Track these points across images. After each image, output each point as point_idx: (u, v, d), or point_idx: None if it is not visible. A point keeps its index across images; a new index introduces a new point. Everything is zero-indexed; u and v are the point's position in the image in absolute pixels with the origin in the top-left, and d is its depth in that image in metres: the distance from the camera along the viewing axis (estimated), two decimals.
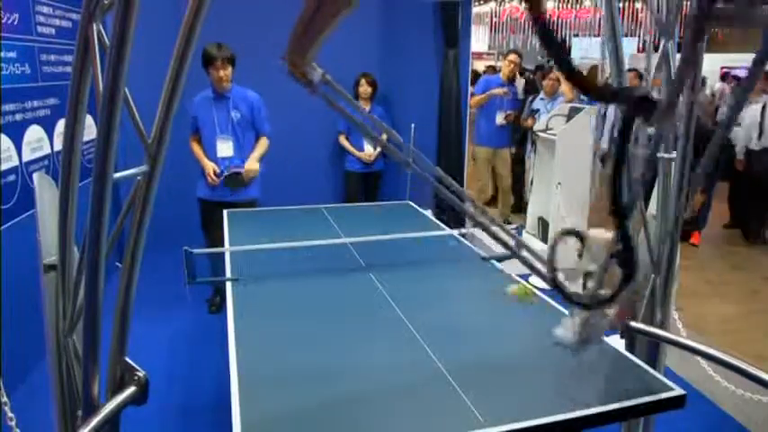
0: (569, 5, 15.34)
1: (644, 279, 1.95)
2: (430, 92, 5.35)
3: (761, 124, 5.86)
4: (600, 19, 14.37)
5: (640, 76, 7.43)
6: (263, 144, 3.95)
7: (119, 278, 1.21)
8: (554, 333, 1.30)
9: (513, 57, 5.76)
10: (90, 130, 3.61)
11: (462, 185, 5.62)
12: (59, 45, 3.75)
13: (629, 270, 1.03)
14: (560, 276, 1.11)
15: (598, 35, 15.87)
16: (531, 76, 10.21)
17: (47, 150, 3.50)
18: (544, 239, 5.16)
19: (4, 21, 3.00)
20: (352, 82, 4.96)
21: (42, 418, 1.72)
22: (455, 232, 3.16)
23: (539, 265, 1.13)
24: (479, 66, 11.19)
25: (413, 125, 5.18)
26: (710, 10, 0.65)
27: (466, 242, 3.08)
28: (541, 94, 5.96)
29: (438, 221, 3.54)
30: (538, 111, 5.85)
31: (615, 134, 5.78)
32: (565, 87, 5.69)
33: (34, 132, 3.36)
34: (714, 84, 12.57)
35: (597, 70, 8.19)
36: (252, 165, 3.86)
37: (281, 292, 2.35)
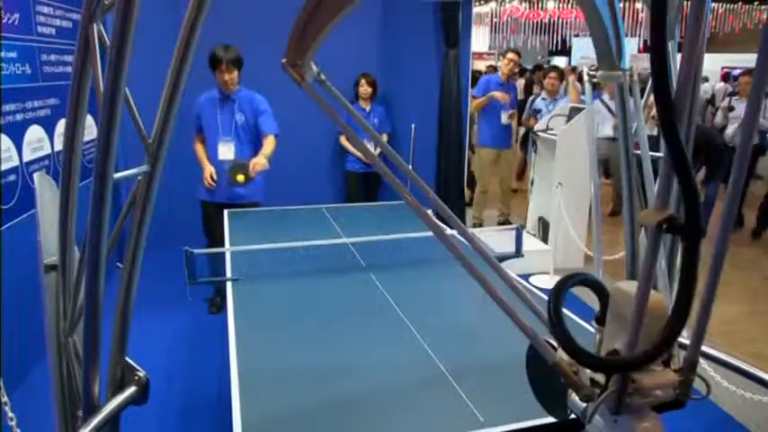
0: (569, 5, 15.32)
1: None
2: (430, 92, 5.35)
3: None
4: None
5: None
6: (271, 143, 3.79)
7: (119, 278, 1.21)
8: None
9: (511, 56, 5.76)
10: (90, 130, 3.61)
11: (462, 186, 5.62)
12: (60, 45, 3.75)
13: (693, 245, 0.69)
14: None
15: None
16: (531, 76, 10.20)
17: (47, 150, 3.50)
18: (544, 239, 5.16)
19: (4, 21, 3.00)
20: (352, 82, 4.96)
21: (42, 418, 1.72)
22: (455, 232, 3.16)
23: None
24: (480, 65, 11.20)
25: (413, 125, 5.19)
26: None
27: (466, 242, 3.08)
28: (543, 95, 5.96)
29: (438, 221, 3.54)
30: (540, 111, 5.85)
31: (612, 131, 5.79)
32: (572, 90, 5.70)
33: (35, 132, 3.36)
34: (715, 84, 12.57)
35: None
36: (260, 159, 3.64)
37: (282, 292, 2.35)
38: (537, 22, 15.60)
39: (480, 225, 5.86)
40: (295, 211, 3.71)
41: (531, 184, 5.63)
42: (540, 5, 15.53)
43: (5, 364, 2.61)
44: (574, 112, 5.08)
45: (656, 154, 1.88)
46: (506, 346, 1.92)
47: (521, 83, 10.15)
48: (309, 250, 2.65)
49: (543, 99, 5.90)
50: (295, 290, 2.37)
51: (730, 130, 6.21)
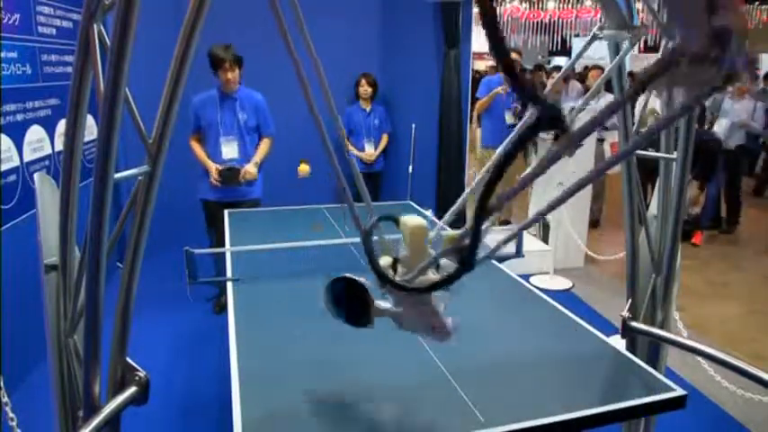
0: (569, 5, 15.32)
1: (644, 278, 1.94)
2: (430, 92, 5.35)
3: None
4: (600, 19, 14.32)
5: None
6: (266, 146, 3.91)
7: (120, 278, 1.21)
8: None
9: (514, 56, 5.77)
10: (91, 130, 3.61)
11: (463, 186, 5.62)
12: (60, 45, 3.75)
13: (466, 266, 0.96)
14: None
15: None
16: (531, 76, 10.18)
17: (48, 151, 3.50)
18: (545, 239, 5.16)
19: (4, 21, 3.00)
20: (352, 82, 4.96)
21: (43, 418, 1.72)
22: (456, 232, 3.15)
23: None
24: (480, 65, 11.18)
25: (413, 125, 5.19)
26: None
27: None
28: None
29: (438, 221, 3.54)
30: None
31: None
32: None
33: (35, 132, 3.36)
34: None
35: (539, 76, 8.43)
36: (252, 168, 3.81)
37: (282, 292, 2.35)
38: (537, 22, 15.60)
39: (509, 222, 5.85)
40: (296, 212, 3.71)
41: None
42: (540, 5, 15.53)
43: (5, 364, 2.61)
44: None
45: (657, 155, 1.88)
46: (507, 346, 1.92)
47: None
48: (310, 250, 2.65)
49: None
50: (295, 290, 2.37)
51: (717, 127, 6.22)
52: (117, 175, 1.12)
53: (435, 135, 5.41)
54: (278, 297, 2.31)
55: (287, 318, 2.12)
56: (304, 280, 2.47)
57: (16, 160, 3.11)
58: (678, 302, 2.81)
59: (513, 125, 5.85)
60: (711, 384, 2.91)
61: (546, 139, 5.21)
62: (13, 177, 3.05)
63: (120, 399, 1.24)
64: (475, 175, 6.28)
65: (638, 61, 10.98)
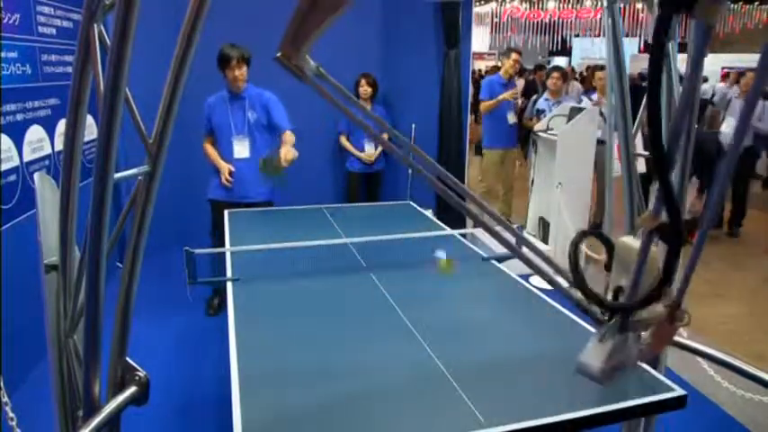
0: (569, 5, 15.33)
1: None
2: (431, 92, 5.36)
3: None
4: (600, 19, 14.38)
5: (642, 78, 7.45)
6: (289, 137, 3.69)
7: (119, 278, 1.21)
8: (578, 361, 1.01)
9: (516, 56, 5.78)
10: (91, 130, 3.61)
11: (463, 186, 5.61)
12: (60, 45, 3.75)
13: (675, 247, 0.84)
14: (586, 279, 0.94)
15: (598, 35, 15.88)
16: (531, 77, 10.18)
17: (48, 150, 3.50)
18: (545, 240, 5.16)
19: (4, 21, 3.00)
20: (352, 82, 4.96)
21: (43, 418, 1.72)
22: (456, 232, 3.16)
23: (544, 266, 1.01)
24: (480, 65, 11.19)
25: (413, 125, 5.19)
26: None
27: (467, 242, 3.08)
28: (546, 95, 5.95)
29: (438, 221, 3.54)
30: (543, 111, 5.84)
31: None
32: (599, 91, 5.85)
33: (35, 132, 3.36)
34: (715, 84, 12.56)
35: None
36: (287, 148, 3.50)
37: (282, 292, 2.35)
38: (537, 22, 15.61)
39: (508, 221, 5.85)
40: (296, 212, 3.71)
41: (531, 184, 5.62)
42: (540, 5, 15.54)
43: (5, 364, 2.61)
44: (574, 112, 5.08)
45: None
46: (507, 346, 1.92)
47: (520, 83, 10.15)
48: (310, 250, 2.65)
49: (546, 100, 5.89)
50: (295, 290, 2.37)
51: (724, 126, 6.20)
52: (117, 175, 1.12)
53: (435, 135, 5.41)
54: (278, 297, 2.31)
55: (287, 317, 2.12)
56: (304, 280, 2.47)
57: (16, 160, 3.11)
58: None
59: (515, 125, 5.85)
60: (711, 384, 2.91)
61: (545, 136, 5.22)
62: (13, 177, 3.05)
63: (120, 399, 1.23)
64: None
65: (638, 61, 10.97)
